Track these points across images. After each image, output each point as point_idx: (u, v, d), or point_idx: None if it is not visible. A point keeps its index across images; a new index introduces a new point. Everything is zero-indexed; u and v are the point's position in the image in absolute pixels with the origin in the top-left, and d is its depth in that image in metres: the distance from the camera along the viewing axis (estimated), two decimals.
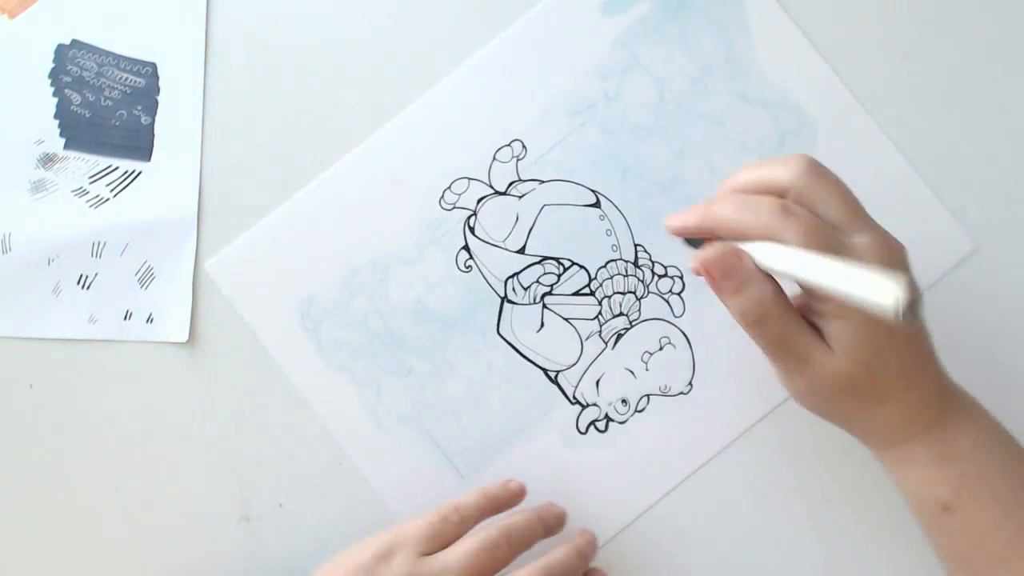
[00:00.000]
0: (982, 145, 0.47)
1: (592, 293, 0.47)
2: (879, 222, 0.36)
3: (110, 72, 0.48)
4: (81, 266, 0.47)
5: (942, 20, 0.47)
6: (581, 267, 0.47)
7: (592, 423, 0.47)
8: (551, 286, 0.47)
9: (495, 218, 0.47)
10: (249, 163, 0.48)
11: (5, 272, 0.47)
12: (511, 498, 0.44)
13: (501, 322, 0.47)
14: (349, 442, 0.47)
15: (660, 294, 0.47)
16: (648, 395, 0.47)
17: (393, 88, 0.47)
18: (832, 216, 0.35)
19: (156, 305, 0.47)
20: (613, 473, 0.46)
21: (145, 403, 0.47)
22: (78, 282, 0.47)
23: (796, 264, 0.33)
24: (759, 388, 0.46)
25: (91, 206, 0.47)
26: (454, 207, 0.47)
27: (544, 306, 0.47)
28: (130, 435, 0.47)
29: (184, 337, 0.47)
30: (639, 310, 0.47)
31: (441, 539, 0.41)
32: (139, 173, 0.48)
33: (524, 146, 0.47)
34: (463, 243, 0.47)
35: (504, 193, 0.47)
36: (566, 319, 0.47)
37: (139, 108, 0.48)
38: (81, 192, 0.48)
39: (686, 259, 0.47)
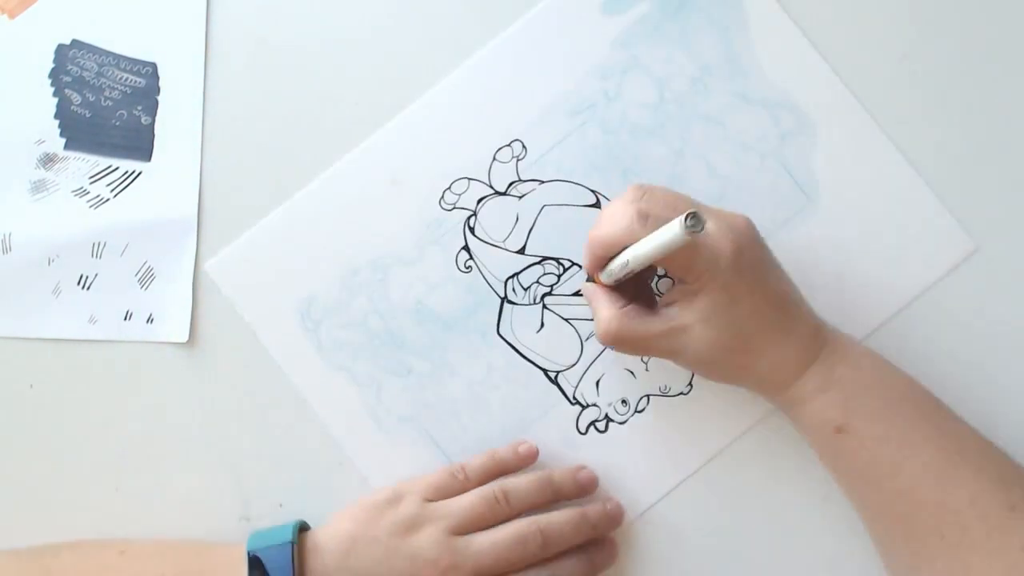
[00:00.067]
0: (982, 145, 0.47)
1: None
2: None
3: (110, 72, 0.48)
4: (81, 266, 0.47)
5: (942, 20, 0.47)
6: (581, 267, 0.47)
7: (592, 423, 0.47)
8: (551, 286, 0.47)
9: (495, 218, 0.47)
10: (249, 163, 0.48)
11: (5, 272, 0.47)
12: (519, 462, 0.46)
13: (501, 322, 0.47)
14: (349, 442, 0.47)
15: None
16: (648, 395, 0.47)
17: (393, 88, 0.47)
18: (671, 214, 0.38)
19: (156, 305, 0.47)
20: (613, 473, 0.46)
21: (145, 403, 0.47)
22: (78, 282, 0.47)
23: (636, 252, 0.37)
24: None
25: (91, 206, 0.47)
26: (454, 207, 0.47)
27: (544, 306, 0.47)
28: (130, 435, 0.47)
29: (184, 337, 0.47)
30: None
31: (446, 491, 0.44)
32: (139, 173, 0.48)
33: (524, 146, 0.47)
34: (463, 243, 0.47)
35: (504, 193, 0.47)
36: (566, 319, 0.47)
37: (139, 108, 0.48)
38: (81, 192, 0.48)
39: None
